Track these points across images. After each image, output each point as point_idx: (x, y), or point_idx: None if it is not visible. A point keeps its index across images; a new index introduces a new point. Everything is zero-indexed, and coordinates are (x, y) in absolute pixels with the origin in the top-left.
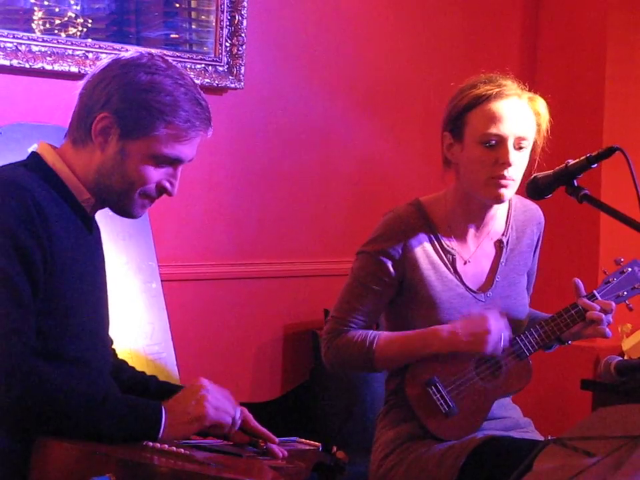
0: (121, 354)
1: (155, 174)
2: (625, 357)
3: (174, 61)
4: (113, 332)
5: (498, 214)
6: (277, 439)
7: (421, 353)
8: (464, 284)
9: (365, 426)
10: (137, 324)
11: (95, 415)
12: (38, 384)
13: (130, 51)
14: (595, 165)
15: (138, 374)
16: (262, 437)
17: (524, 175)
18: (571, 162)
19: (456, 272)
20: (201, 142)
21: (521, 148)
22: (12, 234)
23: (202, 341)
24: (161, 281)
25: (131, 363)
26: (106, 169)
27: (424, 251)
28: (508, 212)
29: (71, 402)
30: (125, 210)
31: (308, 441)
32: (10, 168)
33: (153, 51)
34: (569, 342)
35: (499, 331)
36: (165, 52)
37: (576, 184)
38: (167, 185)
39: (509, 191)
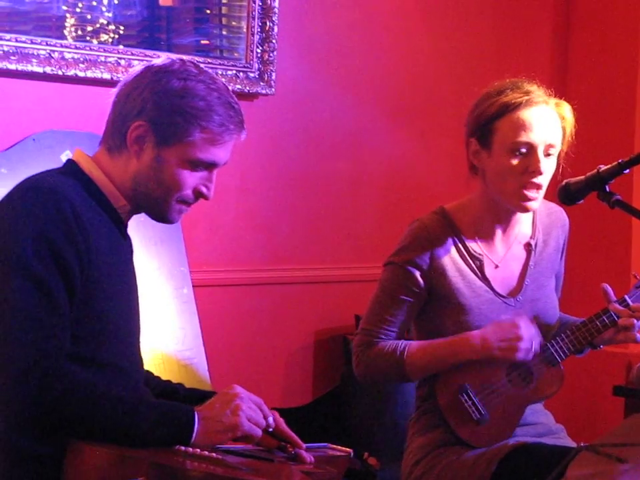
0: (153, 359)
1: (191, 179)
2: None
3: (205, 67)
4: (145, 337)
5: (524, 217)
6: (304, 445)
7: (452, 361)
8: (493, 289)
9: (396, 432)
10: (168, 329)
11: (128, 419)
12: (72, 388)
13: (161, 58)
14: (627, 170)
15: (164, 382)
16: (290, 442)
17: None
18: (603, 167)
19: (484, 277)
20: (234, 146)
21: (549, 155)
22: (50, 241)
23: (233, 346)
24: (193, 286)
25: (162, 368)
26: (142, 176)
27: (451, 258)
28: (534, 215)
29: (105, 405)
30: (162, 216)
31: (339, 446)
32: (47, 175)
33: (184, 57)
34: (601, 346)
35: (530, 338)
36: (196, 58)
37: (608, 189)
38: (204, 189)
39: (538, 201)
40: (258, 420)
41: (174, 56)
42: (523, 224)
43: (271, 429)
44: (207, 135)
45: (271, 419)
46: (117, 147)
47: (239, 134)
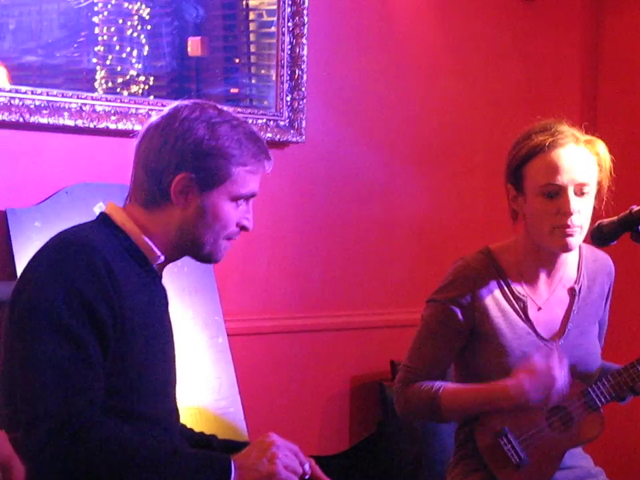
0: (189, 409)
1: (235, 215)
2: None
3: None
4: (181, 388)
5: (569, 260)
6: None
7: (486, 408)
8: (535, 332)
9: (434, 478)
10: (204, 379)
11: (164, 469)
12: (106, 441)
13: (171, 106)
14: None
15: (198, 433)
16: None
17: (594, 217)
18: (635, 208)
19: (527, 319)
20: (265, 190)
21: (583, 194)
22: (82, 295)
23: (269, 394)
24: (227, 335)
25: (199, 418)
26: (189, 225)
27: (494, 298)
28: (579, 260)
29: (140, 457)
30: (210, 257)
31: None
32: (79, 228)
33: (187, 101)
34: None
35: (563, 379)
36: (226, 107)
37: None
38: (246, 222)
39: (576, 239)
40: (295, 467)
41: (186, 101)
42: (568, 268)
43: (307, 477)
44: (245, 169)
45: (307, 466)
46: (156, 201)
47: (269, 162)
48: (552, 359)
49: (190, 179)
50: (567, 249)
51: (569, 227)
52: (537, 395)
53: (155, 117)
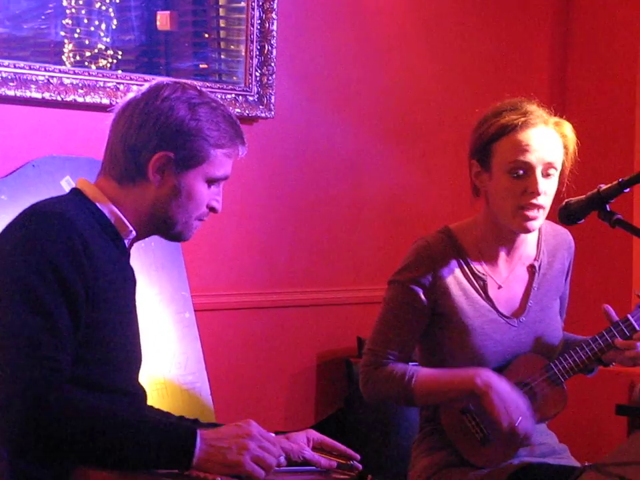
0: (155, 384)
1: (207, 196)
2: None
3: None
4: (147, 363)
5: (529, 238)
6: (357, 456)
7: (458, 394)
8: (496, 309)
9: (400, 454)
10: (170, 354)
11: (129, 437)
12: (71, 410)
13: (154, 82)
14: (627, 189)
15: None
16: (344, 454)
17: (554, 199)
18: (603, 187)
19: (488, 297)
20: (233, 166)
21: (549, 175)
22: (56, 265)
23: (235, 369)
24: (194, 310)
25: (165, 393)
26: (162, 202)
27: (454, 277)
28: (539, 236)
29: (104, 424)
30: (180, 237)
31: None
32: (54, 201)
33: (168, 79)
34: (613, 364)
35: (524, 424)
36: (195, 82)
37: (608, 209)
38: (216, 204)
39: (538, 221)
40: (265, 460)
41: (167, 79)
42: (527, 245)
43: (281, 468)
44: (222, 152)
45: (282, 459)
46: (131, 177)
47: (243, 147)
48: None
49: (168, 157)
50: (527, 230)
51: (533, 206)
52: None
53: (134, 93)
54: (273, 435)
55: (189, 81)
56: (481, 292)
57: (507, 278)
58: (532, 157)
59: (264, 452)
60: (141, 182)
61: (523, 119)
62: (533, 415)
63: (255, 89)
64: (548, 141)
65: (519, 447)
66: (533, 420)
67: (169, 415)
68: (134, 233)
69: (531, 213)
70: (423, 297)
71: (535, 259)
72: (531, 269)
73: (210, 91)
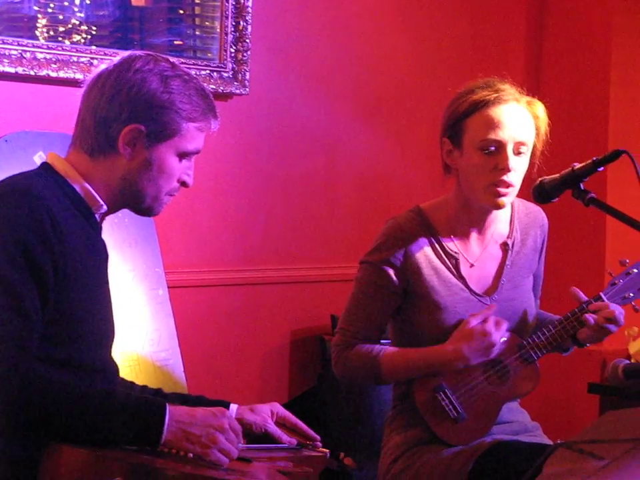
0: (128, 360)
1: (178, 170)
2: (632, 361)
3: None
4: (120, 339)
5: (501, 216)
6: (317, 437)
7: (427, 372)
8: (469, 288)
9: (373, 431)
10: (143, 331)
11: (98, 411)
12: (40, 388)
13: (126, 54)
14: (601, 168)
15: (129, 383)
16: (304, 434)
17: (524, 179)
18: (577, 165)
19: (460, 276)
20: (207, 142)
21: (520, 153)
22: (23, 244)
23: (209, 347)
24: (168, 287)
25: (138, 370)
26: (133, 176)
27: (426, 256)
28: (511, 214)
29: (72, 399)
30: (150, 211)
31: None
32: (22, 177)
33: (141, 52)
34: (587, 344)
35: (500, 337)
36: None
37: (582, 187)
38: (187, 178)
39: (509, 198)
40: (230, 452)
41: (139, 52)
42: (499, 223)
43: (250, 445)
44: (194, 125)
45: (240, 445)
46: (102, 151)
47: (215, 121)
48: (489, 322)
49: (139, 130)
50: (498, 206)
51: (504, 183)
52: (476, 359)
53: (105, 65)
54: (239, 426)
55: (162, 55)
56: (453, 270)
57: (479, 256)
58: (503, 134)
59: (230, 445)
60: (111, 155)
61: (495, 95)
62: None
63: (230, 65)
64: (519, 119)
65: (492, 424)
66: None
67: (132, 384)
68: (105, 207)
69: (501, 190)
70: (394, 277)
71: (507, 237)
72: (504, 247)
73: (185, 67)
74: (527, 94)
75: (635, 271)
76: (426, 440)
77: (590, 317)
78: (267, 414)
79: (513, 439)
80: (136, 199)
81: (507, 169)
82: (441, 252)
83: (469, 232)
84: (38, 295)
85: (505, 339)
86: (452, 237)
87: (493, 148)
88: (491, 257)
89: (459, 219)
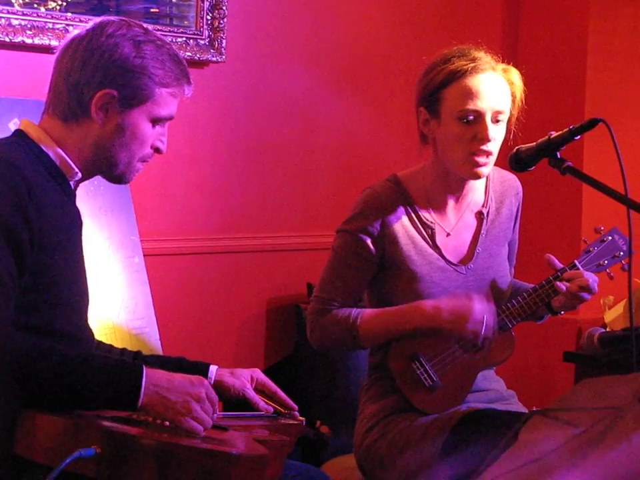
0: (104, 329)
1: (151, 136)
2: (608, 329)
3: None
4: (95, 307)
5: (477, 185)
6: (295, 406)
7: (403, 328)
8: (444, 257)
9: (349, 399)
10: (119, 299)
11: (74, 374)
12: (17, 354)
13: (99, 19)
14: (578, 136)
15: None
16: (281, 403)
17: (501, 147)
18: (554, 134)
19: (435, 245)
20: (185, 111)
21: (498, 121)
22: None
23: (185, 315)
24: (144, 255)
25: (114, 338)
26: (105, 142)
27: (402, 226)
28: (487, 183)
29: (49, 362)
30: (122, 178)
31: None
32: None
33: (113, 17)
34: (562, 312)
35: (481, 313)
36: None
37: (559, 156)
38: (160, 144)
39: (488, 167)
40: (204, 421)
41: (112, 17)
42: (475, 192)
43: (229, 413)
44: (167, 90)
45: (216, 416)
46: (75, 116)
47: (189, 87)
48: (475, 294)
49: (112, 95)
50: (477, 176)
51: (483, 153)
52: (453, 323)
53: (78, 30)
54: (216, 396)
55: (135, 20)
56: (429, 240)
57: (455, 225)
58: (481, 103)
59: (205, 414)
60: (84, 120)
61: (472, 65)
62: (492, 318)
63: (206, 32)
64: (497, 87)
65: (467, 392)
66: (493, 323)
67: (111, 347)
68: (79, 174)
69: (480, 159)
70: (371, 245)
71: (483, 206)
72: (479, 216)
73: (161, 34)
74: (503, 61)
75: (610, 238)
76: (401, 408)
77: (563, 285)
78: (247, 379)
79: (488, 407)
80: (109, 165)
81: (486, 139)
82: (417, 221)
83: (446, 201)
84: (14, 263)
85: (489, 322)
86: (428, 206)
87: (471, 117)
88: (466, 226)
89: (436, 188)
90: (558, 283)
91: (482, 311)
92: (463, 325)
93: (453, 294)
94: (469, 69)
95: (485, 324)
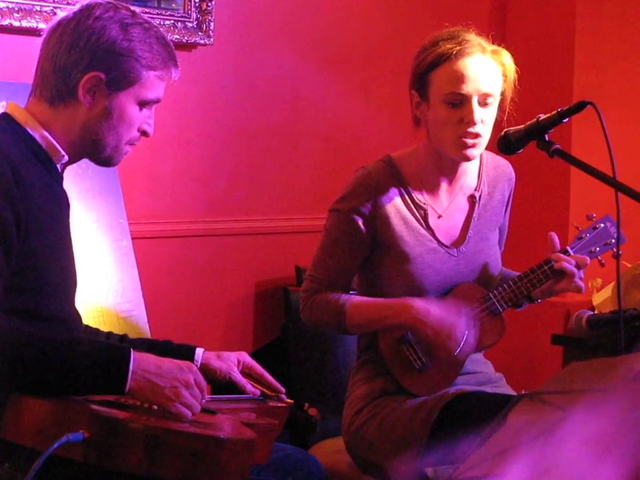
0: (92, 312)
1: (139, 119)
2: (596, 312)
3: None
4: (83, 290)
5: (470, 169)
6: (282, 389)
7: (390, 322)
8: (436, 239)
9: (338, 382)
10: (107, 282)
11: (61, 357)
12: (5, 337)
13: (86, 1)
14: (566, 119)
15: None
16: (269, 386)
17: (496, 128)
18: (542, 116)
19: (428, 227)
20: (171, 92)
21: (487, 104)
22: None
23: (173, 298)
24: (132, 238)
25: (102, 321)
26: (93, 125)
27: (395, 206)
28: (480, 167)
29: (35, 345)
30: (109, 161)
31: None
32: None
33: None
34: (539, 300)
35: (463, 332)
36: (133, 8)
37: (547, 139)
38: (147, 127)
39: (478, 149)
40: (192, 407)
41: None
42: (468, 176)
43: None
44: (154, 73)
45: (204, 401)
46: (62, 99)
47: (176, 70)
48: (464, 312)
49: (99, 78)
50: (467, 158)
51: (471, 135)
52: (434, 326)
53: (65, 12)
54: (205, 382)
55: (122, 2)
56: (422, 221)
57: (447, 207)
58: (467, 87)
59: (193, 400)
60: (71, 103)
61: (458, 48)
62: (474, 338)
63: (194, 15)
64: (484, 70)
65: (456, 374)
66: (473, 342)
67: (97, 331)
68: (66, 157)
69: (468, 141)
70: (362, 225)
71: (475, 190)
72: (471, 199)
73: (148, 17)
74: (493, 43)
75: (602, 225)
76: (390, 391)
77: (564, 263)
78: (234, 362)
79: (477, 390)
80: (96, 148)
81: (472, 122)
82: (410, 202)
83: (439, 183)
84: (1, 247)
85: (470, 340)
86: (421, 187)
87: (457, 101)
88: (458, 208)
89: (429, 169)
90: (558, 256)
91: (465, 329)
92: (443, 339)
93: (444, 300)
94: (455, 52)
95: (463, 342)
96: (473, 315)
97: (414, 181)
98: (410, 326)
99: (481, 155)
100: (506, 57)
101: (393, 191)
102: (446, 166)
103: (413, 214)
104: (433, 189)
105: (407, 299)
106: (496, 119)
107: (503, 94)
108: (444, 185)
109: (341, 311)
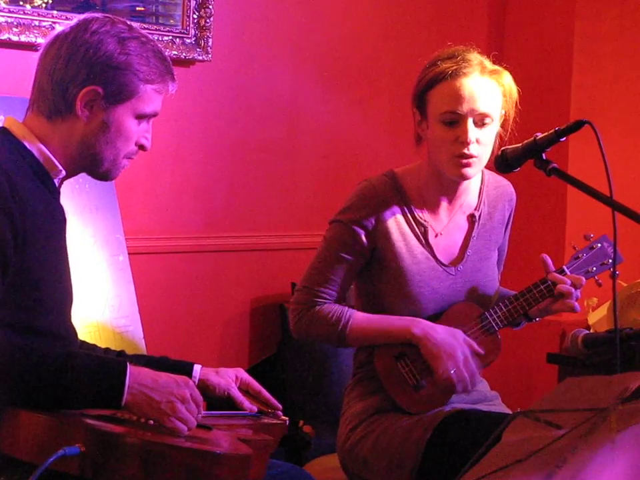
0: (88, 327)
1: (136, 133)
2: (592, 331)
3: None
4: (80, 305)
5: (470, 188)
6: (279, 406)
7: (394, 335)
8: (435, 257)
9: (333, 399)
10: (103, 297)
11: (57, 372)
12: (1, 352)
13: (83, 16)
14: (564, 138)
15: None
16: (265, 403)
17: (498, 148)
18: (540, 135)
19: (427, 244)
20: (169, 108)
21: (484, 124)
22: None
23: (169, 314)
24: (128, 253)
25: (98, 336)
26: (91, 139)
27: (396, 222)
28: (481, 187)
29: (31, 360)
30: (107, 175)
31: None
32: None
33: (98, 14)
34: (537, 319)
35: (465, 371)
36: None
37: (544, 157)
38: (145, 141)
39: (473, 169)
40: (188, 422)
41: (96, 14)
42: (469, 195)
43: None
44: (151, 87)
45: (200, 416)
46: (60, 113)
47: (173, 84)
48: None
49: (97, 92)
50: (463, 177)
51: (465, 156)
52: (439, 353)
53: (62, 27)
54: (201, 397)
55: (119, 17)
56: (421, 238)
57: (446, 226)
58: (462, 107)
59: (189, 415)
60: (69, 117)
61: (455, 67)
62: (474, 361)
63: (193, 31)
64: (482, 90)
65: (453, 393)
66: (475, 366)
67: (94, 347)
68: (63, 172)
69: (464, 161)
70: (364, 238)
71: (475, 209)
72: (471, 219)
73: (146, 32)
74: (494, 63)
75: (599, 245)
76: (385, 408)
77: (562, 286)
78: (232, 378)
79: (472, 408)
80: (94, 162)
81: (466, 143)
82: (411, 219)
83: (439, 201)
84: None
85: (475, 380)
86: (422, 205)
87: (452, 120)
88: (458, 227)
89: (430, 187)
90: (554, 276)
91: (469, 372)
92: (443, 369)
93: (452, 330)
94: (451, 71)
95: (465, 375)
96: (471, 337)
97: (416, 197)
98: (418, 339)
99: (482, 175)
100: (506, 77)
101: (395, 206)
102: (446, 184)
103: (413, 230)
104: (433, 207)
105: (413, 319)
106: (500, 138)
107: (505, 114)
108: (444, 203)
109: (343, 329)
